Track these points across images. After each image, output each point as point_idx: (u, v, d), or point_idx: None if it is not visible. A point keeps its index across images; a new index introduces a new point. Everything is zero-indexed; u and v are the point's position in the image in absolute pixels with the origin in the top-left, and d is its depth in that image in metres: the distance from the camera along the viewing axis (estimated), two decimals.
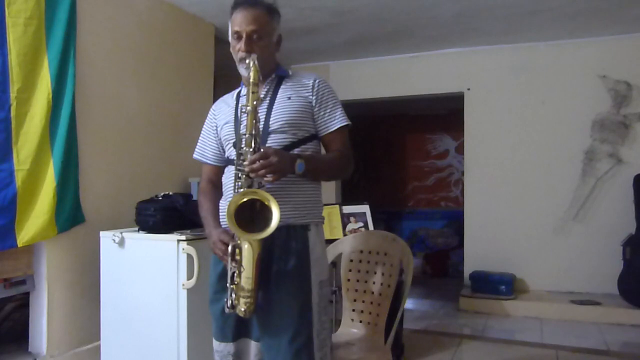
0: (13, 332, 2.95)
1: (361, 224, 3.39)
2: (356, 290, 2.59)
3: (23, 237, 2.58)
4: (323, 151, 1.82)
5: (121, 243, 2.60)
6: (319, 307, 1.67)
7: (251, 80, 1.55)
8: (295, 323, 1.61)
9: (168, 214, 2.57)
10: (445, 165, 7.47)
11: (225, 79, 4.88)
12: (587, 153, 4.60)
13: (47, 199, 2.68)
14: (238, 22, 1.66)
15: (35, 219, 2.63)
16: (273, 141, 1.65)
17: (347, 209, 3.43)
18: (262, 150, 1.53)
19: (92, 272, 2.81)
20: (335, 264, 2.92)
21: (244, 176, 1.54)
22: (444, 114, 7.06)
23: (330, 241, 2.94)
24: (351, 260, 2.65)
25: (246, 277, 1.53)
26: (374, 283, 2.54)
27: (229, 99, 1.87)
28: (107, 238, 2.65)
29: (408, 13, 3.96)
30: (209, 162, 1.89)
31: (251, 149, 1.53)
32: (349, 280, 2.63)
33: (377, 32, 4.46)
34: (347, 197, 5.83)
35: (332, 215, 3.36)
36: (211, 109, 1.93)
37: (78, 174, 2.89)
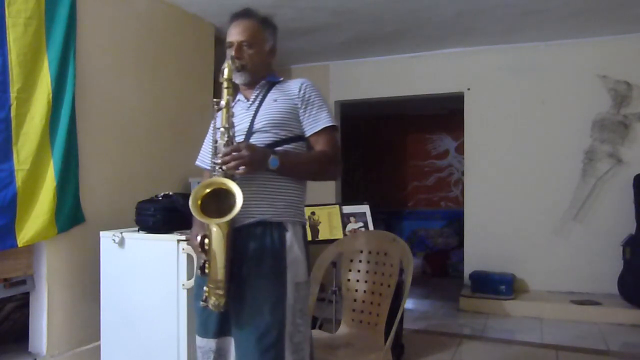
0: (13, 332, 2.95)
1: (361, 224, 3.39)
2: (356, 290, 2.59)
3: (23, 237, 2.57)
4: None
5: (121, 243, 2.60)
6: (293, 309, 1.67)
7: (225, 77, 1.63)
8: (265, 321, 1.62)
9: (168, 214, 2.57)
10: (445, 165, 7.47)
11: None
12: (587, 153, 4.60)
13: (47, 199, 2.67)
14: (231, 33, 1.79)
15: (35, 219, 2.63)
16: (255, 140, 1.70)
17: (347, 209, 3.43)
18: (234, 143, 1.59)
19: (92, 272, 2.81)
20: (335, 264, 2.92)
21: (218, 169, 1.58)
22: (444, 114, 7.07)
23: (330, 241, 2.95)
24: (351, 260, 2.65)
25: (215, 266, 1.56)
26: (374, 283, 2.54)
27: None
28: (107, 238, 2.64)
29: (408, 13, 3.96)
30: (208, 167, 1.92)
31: (224, 142, 1.60)
32: (349, 280, 2.63)
33: (377, 32, 4.46)
34: (347, 197, 5.84)
35: (332, 215, 3.37)
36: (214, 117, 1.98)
37: (78, 174, 2.89)
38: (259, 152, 1.61)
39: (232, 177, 1.56)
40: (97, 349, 2.73)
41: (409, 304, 4.78)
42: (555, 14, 3.99)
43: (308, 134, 1.78)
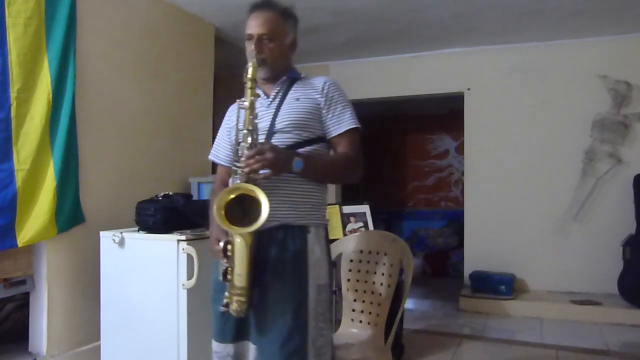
0: (13, 332, 2.95)
1: (361, 224, 3.39)
2: (356, 290, 2.59)
3: (23, 237, 2.57)
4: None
5: (121, 243, 2.60)
6: (315, 313, 1.63)
7: (249, 76, 1.57)
8: (288, 326, 1.58)
9: (168, 214, 2.57)
10: (445, 165, 7.47)
11: (225, 79, 4.87)
12: (587, 153, 4.60)
13: (47, 199, 2.68)
14: (251, 25, 1.70)
15: (35, 219, 2.63)
16: (277, 141, 1.64)
17: (347, 209, 3.44)
18: (258, 146, 1.52)
19: (92, 272, 2.81)
20: (335, 264, 2.92)
21: (240, 172, 1.52)
22: (444, 114, 7.06)
23: (330, 241, 2.94)
24: (351, 260, 2.65)
25: (238, 274, 1.52)
26: (374, 283, 2.54)
27: None
28: (107, 238, 2.64)
29: (408, 13, 3.96)
30: (222, 162, 1.88)
31: (247, 145, 1.53)
32: (349, 280, 2.63)
33: (377, 32, 4.46)
34: (347, 197, 5.83)
35: (332, 215, 3.37)
36: (227, 111, 1.92)
37: (78, 174, 2.89)
38: (282, 154, 1.55)
39: (255, 181, 1.51)
40: (97, 349, 2.73)
41: (409, 304, 4.78)
42: (555, 14, 3.99)
43: (331, 135, 1.72)
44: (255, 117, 1.57)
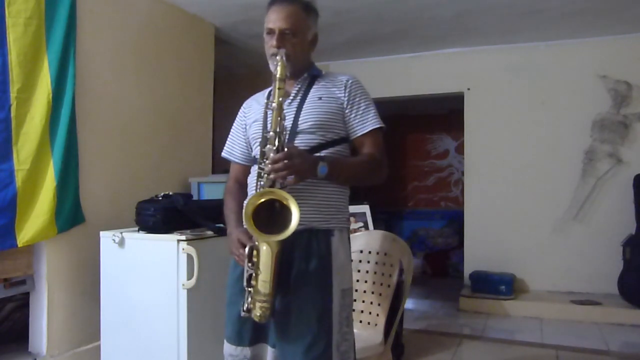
0: (13, 332, 2.95)
1: (361, 224, 3.39)
2: (356, 290, 2.59)
3: (23, 237, 2.57)
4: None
5: (121, 243, 2.59)
6: (340, 317, 1.61)
7: (277, 76, 1.52)
8: (312, 331, 1.55)
9: (168, 214, 2.56)
10: (445, 165, 7.47)
11: (225, 79, 4.87)
12: (587, 153, 4.60)
13: (47, 199, 2.67)
14: (272, 19, 1.63)
15: (35, 219, 2.63)
16: (300, 142, 1.61)
17: None
18: (285, 149, 1.48)
19: (92, 272, 2.81)
20: None
21: (266, 175, 1.49)
22: (444, 114, 7.06)
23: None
24: (351, 260, 2.65)
25: (263, 280, 1.49)
26: (373, 283, 2.54)
27: (260, 97, 1.81)
28: (107, 238, 2.64)
29: (408, 13, 3.96)
30: (236, 160, 1.85)
31: (274, 148, 1.48)
32: None
33: (377, 32, 4.46)
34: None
35: None
36: (242, 107, 1.88)
37: (78, 174, 2.89)
38: (309, 160, 1.51)
39: (282, 186, 1.47)
40: (97, 349, 2.72)
41: (409, 304, 4.77)
42: (555, 14, 3.99)
43: (354, 136, 1.69)
44: (283, 118, 1.52)
